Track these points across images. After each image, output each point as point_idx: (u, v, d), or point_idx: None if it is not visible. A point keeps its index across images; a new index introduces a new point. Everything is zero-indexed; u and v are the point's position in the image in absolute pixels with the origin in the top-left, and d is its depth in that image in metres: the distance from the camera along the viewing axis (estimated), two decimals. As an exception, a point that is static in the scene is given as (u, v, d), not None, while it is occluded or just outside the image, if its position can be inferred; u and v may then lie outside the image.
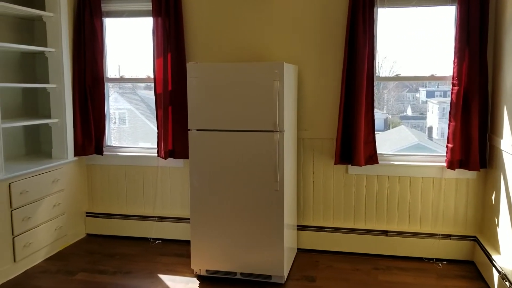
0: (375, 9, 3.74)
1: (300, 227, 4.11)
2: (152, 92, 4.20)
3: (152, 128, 4.69)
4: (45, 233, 3.95)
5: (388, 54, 4.01)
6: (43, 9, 4.06)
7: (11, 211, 3.56)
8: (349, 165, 3.97)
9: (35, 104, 4.38)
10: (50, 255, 4.03)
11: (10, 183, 3.53)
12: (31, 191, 3.75)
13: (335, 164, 3.87)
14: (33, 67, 4.32)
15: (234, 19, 4.04)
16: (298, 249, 4.13)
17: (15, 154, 4.14)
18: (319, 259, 3.96)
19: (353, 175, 4.01)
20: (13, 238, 3.59)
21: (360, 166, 3.81)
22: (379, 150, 3.93)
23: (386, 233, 3.98)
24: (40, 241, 3.89)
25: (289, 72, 3.53)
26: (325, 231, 4.07)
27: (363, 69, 3.72)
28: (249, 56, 4.04)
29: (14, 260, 3.60)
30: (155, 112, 4.21)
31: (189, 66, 3.46)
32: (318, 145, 4.03)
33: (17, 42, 4.04)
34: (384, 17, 3.90)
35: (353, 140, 3.80)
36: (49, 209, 3.98)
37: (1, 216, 3.46)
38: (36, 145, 4.40)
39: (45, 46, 4.13)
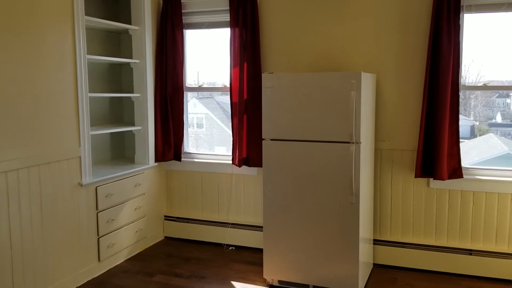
0: (461, 15, 3.52)
1: (376, 242, 3.96)
2: (228, 97, 4.28)
3: (228, 133, 4.78)
4: (127, 234, 4.16)
5: (475, 58, 3.75)
6: (129, 23, 4.30)
7: (97, 213, 3.79)
8: (431, 179, 3.76)
9: (120, 112, 4.64)
10: (131, 256, 4.25)
11: (96, 187, 3.77)
12: (115, 195, 3.97)
13: (415, 177, 3.69)
14: (119, 78, 4.59)
15: (310, 28, 4.01)
16: (374, 264, 3.98)
17: (102, 159, 4.41)
18: (396, 275, 3.78)
19: (435, 189, 3.79)
20: (98, 238, 3.82)
21: (443, 180, 3.60)
22: (465, 159, 3.69)
23: (470, 252, 3.72)
24: (122, 242, 4.10)
25: (367, 81, 3.42)
26: (404, 247, 3.89)
27: (447, 78, 3.51)
28: (325, 66, 3.98)
29: (99, 260, 3.83)
30: (230, 119, 4.29)
31: (264, 76, 3.47)
32: (397, 156, 3.86)
33: (105, 55, 4.32)
34: (471, 22, 3.66)
35: (435, 153, 3.59)
36: (131, 212, 4.19)
37: (88, 218, 3.71)
38: (120, 151, 4.66)
39: (131, 57, 4.37)
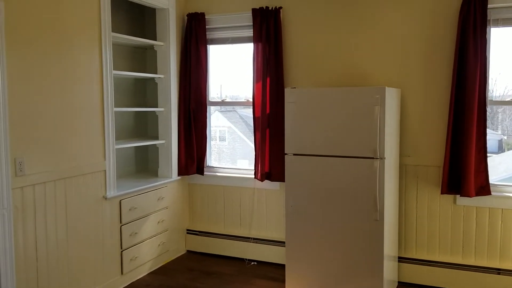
0: (487, 29, 3.47)
1: (401, 259, 3.88)
2: (251, 111, 4.29)
3: (251, 146, 4.79)
4: (150, 248, 4.18)
5: (502, 72, 3.68)
6: (155, 38, 4.39)
7: (121, 226, 3.83)
8: (458, 196, 3.68)
9: (144, 126, 4.71)
10: (153, 269, 4.26)
11: (120, 200, 3.81)
12: (139, 208, 4.01)
13: (441, 193, 3.62)
14: (144, 92, 4.67)
15: (333, 43, 4.01)
16: (399, 282, 3.89)
17: (126, 172, 4.47)
18: (421, 295, 3.70)
19: (461, 207, 3.70)
20: (121, 251, 3.85)
21: (470, 197, 3.51)
22: (492, 174, 3.59)
23: (498, 271, 3.60)
24: (145, 256, 4.13)
25: (391, 96, 3.39)
26: (430, 265, 3.79)
27: (474, 92, 3.45)
28: (349, 80, 3.96)
29: (122, 273, 3.86)
30: (253, 133, 4.30)
31: (287, 91, 3.48)
32: (422, 172, 3.79)
33: (131, 70, 4.40)
34: (498, 36, 3.60)
35: (462, 169, 3.52)
36: (154, 225, 4.22)
37: (112, 231, 3.74)
38: (144, 164, 4.72)
39: (155, 72, 4.44)
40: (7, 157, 2.84)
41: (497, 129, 4.06)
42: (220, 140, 5.00)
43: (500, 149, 4.05)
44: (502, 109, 4.05)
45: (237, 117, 5.31)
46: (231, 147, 5.18)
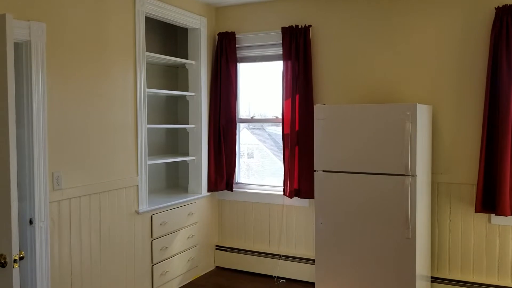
0: (522, 44, 3.42)
1: (434, 279, 3.78)
2: (279, 129, 4.32)
3: (278, 164, 4.81)
4: (179, 263, 4.22)
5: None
6: (186, 57, 4.50)
7: (152, 240, 3.89)
8: (492, 214, 3.58)
9: (175, 142, 4.80)
10: (183, 284, 4.29)
11: (152, 215, 3.88)
12: (170, 223, 4.07)
13: (475, 212, 3.53)
14: (175, 110, 4.78)
15: (363, 59, 4.02)
16: (431, 303, 3.80)
17: (157, 188, 4.55)
18: (456, 317, 3.58)
19: (497, 226, 3.60)
20: (152, 266, 3.90)
21: (506, 216, 3.42)
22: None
23: (539, 294, 3.47)
24: (175, 271, 4.17)
25: (423, 113, 3.36)
26: (464, 286, 3.68)
27: (507, 109, 3.39)
28: (379, 98, 3.95)
29: (152, 287, 3.90)
30: (281, 148, 4.32)
31: (317, 108, 3.50)
32: (455, 190, 3.71)
33: (163, 88, 4.52)
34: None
35: (497, 187, 3.43)
36: (184, 241, 4.27)
37: (143, 245, 3.81)
38: (175, 180, 4.79)
39: (187, 90, 4.54)
40: (46, 171, 2.95)
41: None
42: (248, 158, 5.03)
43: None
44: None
45: (265, 135, 5.34)
46: (259, 164, 5.20)
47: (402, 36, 3.86)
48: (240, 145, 4.86)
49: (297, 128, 4.20)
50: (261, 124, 5.06)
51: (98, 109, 3.37)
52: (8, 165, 2.00)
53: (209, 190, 4.58)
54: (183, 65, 4.55)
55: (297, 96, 4.18)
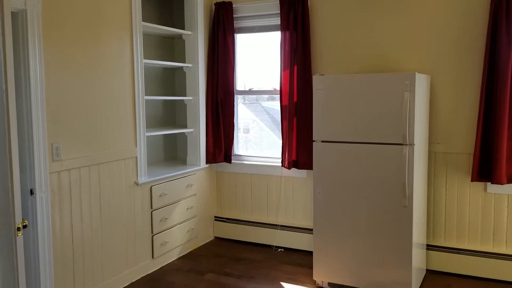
0: (522, 12, 3.39)
1: (430, 247, 3.86)
2: (275, 103, 4.32)
3: (274, 138, 4.82)
4: (179, 233, 4.28)
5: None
6: (183, 28, 4.45)
7: (151, 211, 3.93)
8: (488, 183, 3.63)
9: (173, 114, 4.79)
10: (183, 254, 4.36)
11: (151, 186, 3.90)
12: (169, 194, 4.10)
13: (472, 181, 3.58)
14: (173, 81, 4.75)
15: (362, 29, 3.98)
16: (427, 270, 3.88)
17: (155, 160, 4.57)
18: (451, 282, 3.67)
19: (492, 194, 3.65)
20: (152, 236, 3.95)
21: (502, 184, 3.46)
22: (525, 167, 3.53)
23: (532, 260, 3.55)
24: (175, 241, 4.22)
25: (421, 83, 3.36)
26: (459, 253, 3.76)
27: (506, 79, 3.39)
28: (377, 67, 3.94)
29: (152, 257, 3.96)
30: (278, 122, 4.32)
31: (315, 78, 3.48)
32: (452, 159, 3.75)
33: (160, 59, 4.48)
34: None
35: (493, 156, 3.47)
36: (183, 212, 4.31)
37: (143, 216, 3.84)
38: (173, 152, 4.81)
39: (184, 62, 4.51)
40: (45, 142, 2.95)
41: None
42: (244, 132, 5.03)
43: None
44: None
45: (261, 109, 5.33)
46: (256, 139, 5.20)
47: (401, 6, 3.82)
48: (238, 119, 4.85)
49: (295, 99, 4.19)
50: (257, 98, 5.04)
51: (95, 79, 3.35)
52: (9, 136, 2.00)
53: (207, 162, 4.60)
54: (179, 36, 4.50)
55: (295, 67, 4.16)
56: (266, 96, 4.97)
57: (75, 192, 3.23)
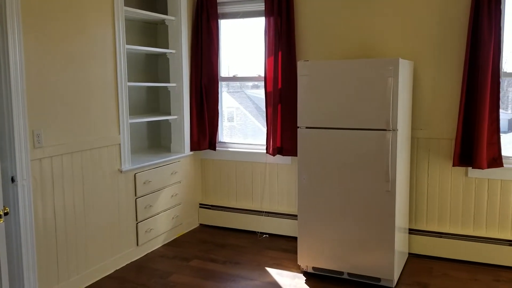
0: (502, 0, 3.43)
1: (412, 231, 3.93)
2: (259, 91, 4.31)
3: (259, 126, 4.82)
4: (164, 221, 4.27)
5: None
6: (166, 13, 4.38)
7: (136, 199, 3.90)
8: (469, 168, 3.69)
9: (156, 101, 4.74)
10: (168, 241, 4.35)
11: (135, 174, 3.87)
12: (153, 182, 4.08)
13: (453, 166, 3.64)
14: (156, 68, 4.69)
15: (346, 15, 3.98)
16: (409, 253, 3.95)
17: (139, 148, 4.53)
18: (432, 265, 3.74)
19: (473, 179, 3.72)
20: (137, 223, 3.93)
21: (482, 169, 3.53)
22: (503, 153, 3.60)
23: (510, 242, 3.63)
24: (159, 228, 4.21)
25: (405, 69, 3.38)
26: (441, 237, 3.83)
27: (487, 64, 3.43)
28: (361, 53, 3.95)
29: (137, 244, 3.95)
30: (262, 111, 4.31)
31: (300, 64, 3.48)
32: (434, 145, 3.80)
33: (143, 45, 4.42)
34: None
35: (474, 141, 3.53)
36: (168, 199, 4.29)
37: (128, 203, 3.82)
38: (157, 140, 4.77)
39: (167, 47, 4.45)
40: (26, 129, 2.89)
41: (507, 108, 4.03)
42: (228, 121, 5.01)
43: (510, 129, 4.03)
44: (513, 87, 4.02)
45: (245, 97, 5.31)
46: (241, 126, 5.19)
47: (385, -9, 3.83)
48: (222, 107, 4.83)
49: (280, 86, 4.19)
50: (241, 87, 5.02)
51: (77, 65, 3.29)
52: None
53: (192, 149, 4.58)
54: (162, 22, 4.44)
55: (280, 53, 4.14)
56: (250, 84, 4.95)
57: (58, 179, 3.19)
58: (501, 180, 3.63)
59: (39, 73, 3.01)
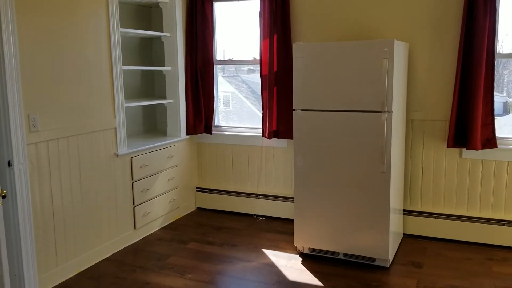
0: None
1: (406, 212, 3.97)
2: (255, 76, 4.29)
3: (254, 111, 4.81)
4: (161, 204, 4.29)
5: (510, 32, 3.64)
6: (160, -4, 4.34)
7: (132, 183, 3.92)
8: (464, 149, 3.72)
9: (152, 85, 4.73)
10: (165, 225, 4.38)
11: (131, 157, 3.88)
12: (150, 166, 4.09)
13: (448, 147, 3.66)
14: (150, 51, 4.66)
15: (341, -3, 3.96)
16: (404, 234, 4.00)
17: (135, 131, 4.53)
18: (427, 245, 3.80)
19: (467, 160, 3.75)
20: (134, 207, 3.96)
21: (477, 150, 3.56)
22: (498, 134, 3.62)
23: (503, 222, 3.68)
24: (157, 212, 4.24)
25: (400, 50, 3.38)
26: (435, 217, 3.88)
27: (482, 46, 3.44)
28: (356, 35, 3.94)
29: (135, 227, 3.98)
30: (258, 95, 4.31)
31: (295, 46, 3.47)
32: (429, 127, 3.83)
33: (137, 28, 4.38)
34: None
35: (469, 123, 3.55)
36: (164, 183, 4.31)
37: (124, 187, 3.84)
38: (152, 124, 4.77)
39: (161, 31, 4.42)
40: (21, 113, 2.89)
41: (503, 91, 4.05)
42: (224, 106, 5.00)
43: (505, 112, 4.05)
44: (508, 71, 4.02)
45: (241, 82, 5.29)
46: (236, 110, 5.18)
47: (380, -28, 3.81)
48: (218, 91, 4.81)
49: (275, 69, 4.18)
50: (237, 71, 5.00)
51: (71, 49, 3.27)
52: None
53: (188, 133, 4.58)
54: (156, 5, 4.40)
55: (275, 36, 4.13)
56: (246, 68, 4.94)
57: (54, 163, 3.19)
58: (495, 161, 3.67)
59: (34, 58, 2.99)
